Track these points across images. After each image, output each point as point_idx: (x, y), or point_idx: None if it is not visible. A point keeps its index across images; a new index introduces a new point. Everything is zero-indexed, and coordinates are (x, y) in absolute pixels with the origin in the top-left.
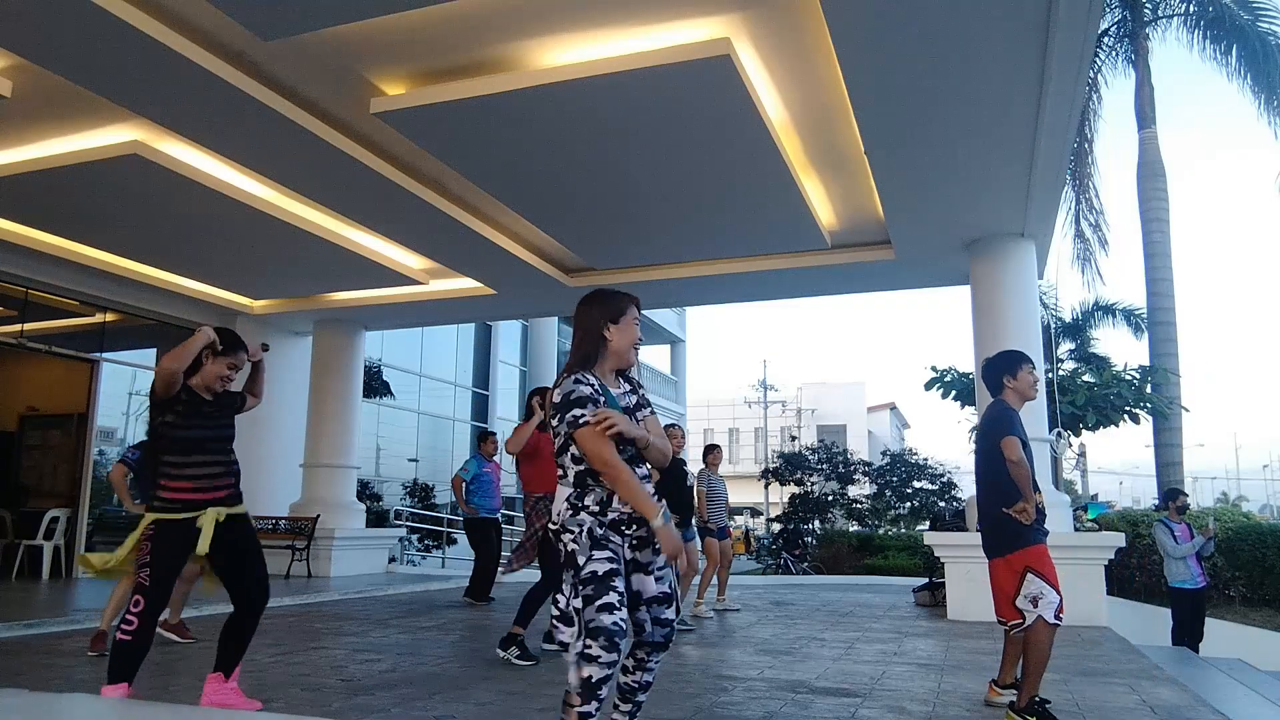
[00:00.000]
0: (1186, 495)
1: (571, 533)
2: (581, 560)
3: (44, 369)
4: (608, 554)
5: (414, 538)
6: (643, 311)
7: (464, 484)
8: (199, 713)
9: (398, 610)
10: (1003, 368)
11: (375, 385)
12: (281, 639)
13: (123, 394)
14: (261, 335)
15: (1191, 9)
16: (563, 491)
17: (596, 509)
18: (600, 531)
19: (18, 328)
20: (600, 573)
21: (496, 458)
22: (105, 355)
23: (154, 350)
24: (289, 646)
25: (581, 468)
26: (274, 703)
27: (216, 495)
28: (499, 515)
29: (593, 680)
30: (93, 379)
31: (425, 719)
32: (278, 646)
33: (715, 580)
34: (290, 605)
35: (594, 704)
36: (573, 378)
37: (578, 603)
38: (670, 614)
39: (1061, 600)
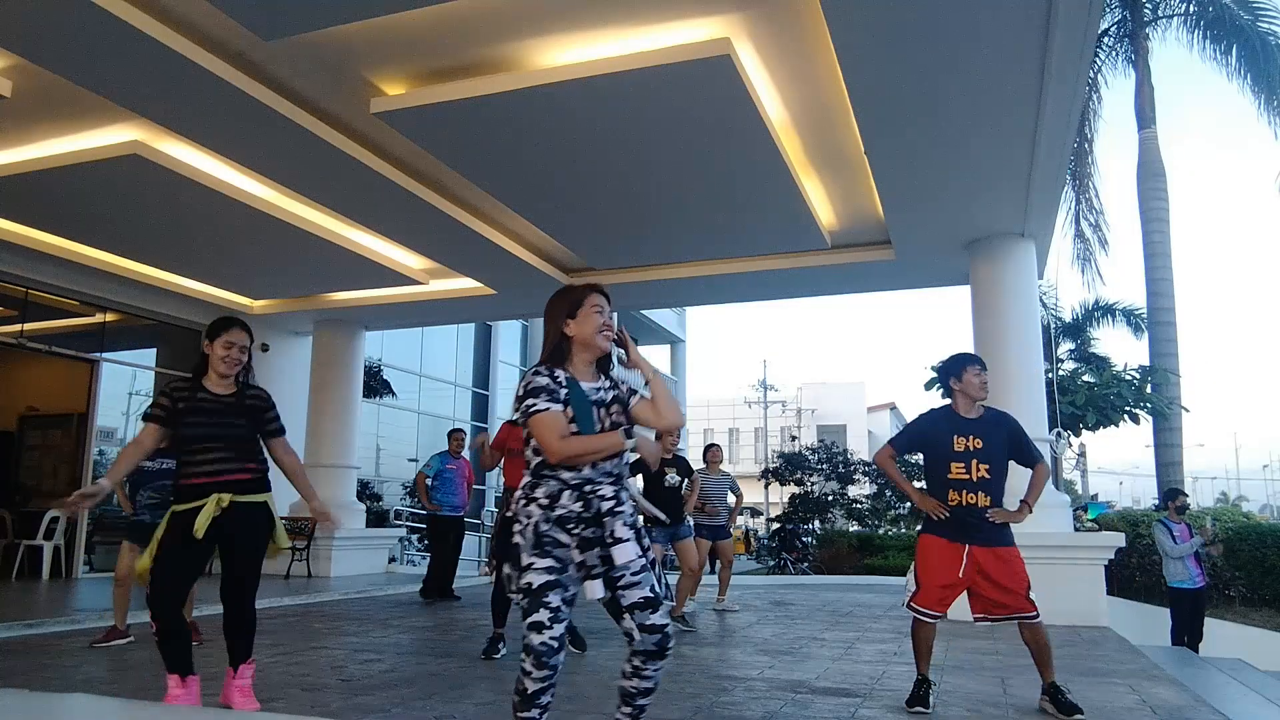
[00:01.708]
0: (1186, 495)
1: (520, 524)
2: (524, 561)
3: (44, 369)
4: (548, 562)
5: (414, 538)
6: (643, 312)
7: (426, 480)
8: (199, 713)
9: (398, 610)
10: (949, 371)
11: (375, 385)
12: (281, 639)
13: (123, 394)
14: (261, 335)
15: (1191, 9)
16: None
17: (546, 503)
18: (545, 528)
19: (18, 328)
20: (535, 586)
21: (465, 453)
22: (105, 355)
23: (154, 350)
24: (289, 646)
25: (540, 459)
26: (274, 703)
27: (222, 479)
28: (461, 513)
29: (529, 692)
30: (93, 379)
31: (425, 719)
32: (278, 646)
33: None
34: (290, 605)
35: (534, 711)
36: (534, 370)
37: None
38: (658, 619)
39: (918, 591)
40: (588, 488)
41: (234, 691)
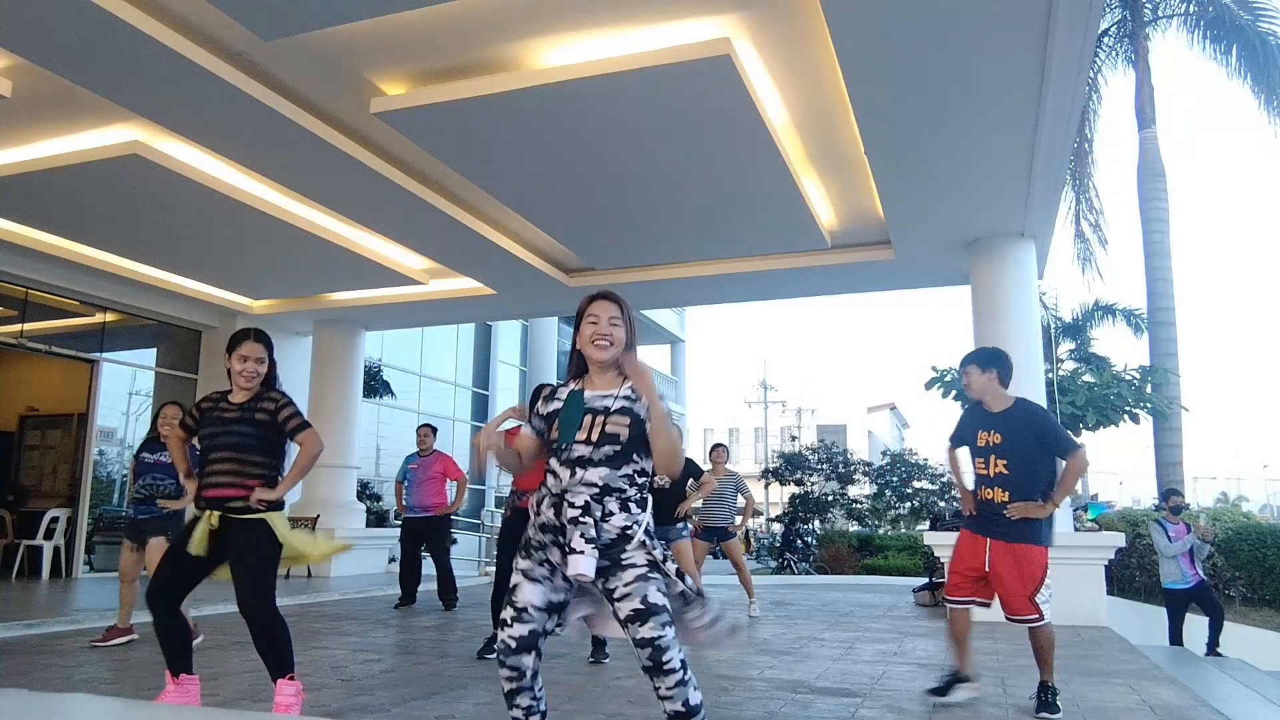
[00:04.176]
0: (1181, 495)
1: None
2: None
3: (44, 369)
4: (527, 564)
5: None
6: (643, 312)
7: (401, 485)
8: (198, 713)
9: (397, 610)
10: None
11: (375, 385)
12: None
13: (123, 394)
14: None
15: (1191, 9)
16: None
17: (537, 510)
18: (531, 533)
19: (18, 328)
20: (512, 584)
21: (436, 446)
22: (105, 355)
23: (154, 350)
24: None
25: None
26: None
27: (219, 494)
28: (427, 514)
29: (503, 691)
30: (93, 379)
31: (425, 719)
32: None
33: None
34: (290, 605)
35: (514, 712)
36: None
37: None
38: (646, 632)
39: (946, 580)
40: (567, 496)
41: (289, 698)
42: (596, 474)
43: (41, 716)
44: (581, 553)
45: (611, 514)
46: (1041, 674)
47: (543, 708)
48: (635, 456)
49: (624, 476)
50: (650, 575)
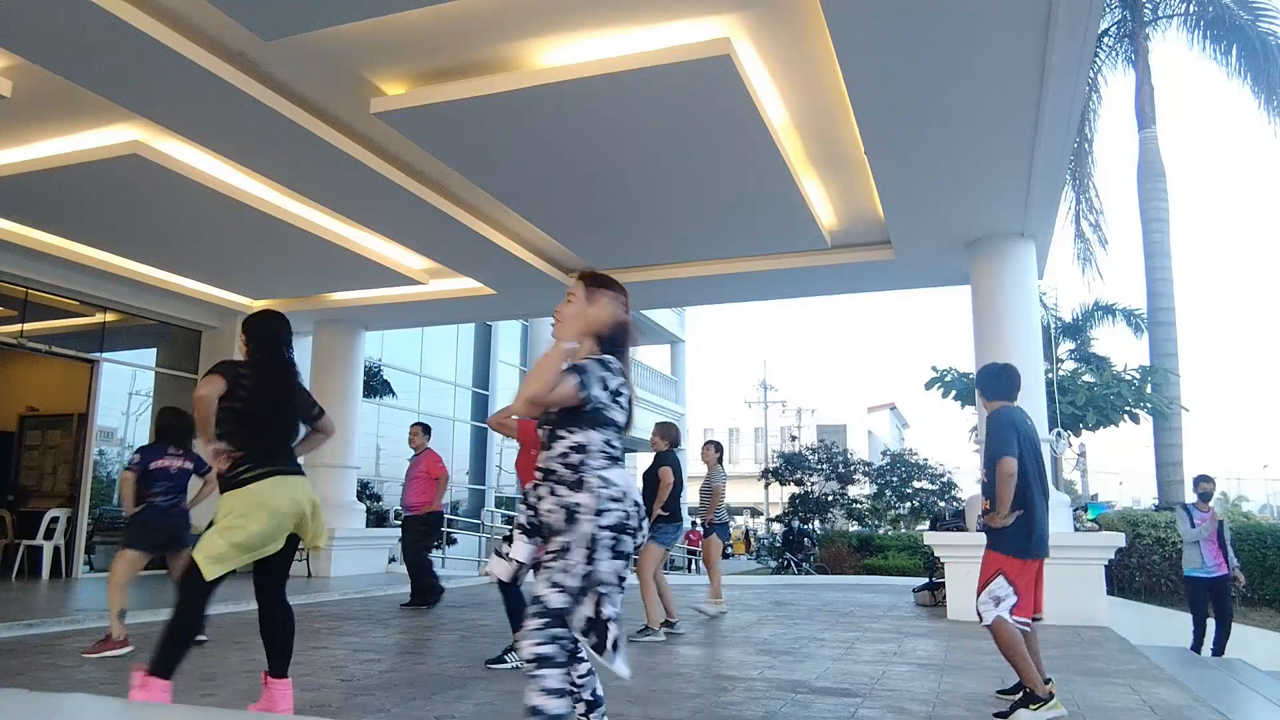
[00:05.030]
0: (1211, 482)
1: None
2: None
3: (44, 369)
4: None
5: None
6: (643, 312)
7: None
8: (199, 712)
9: (398, 610)
10: None
11: (375, 385)
12: None
13: (123, 394)
14: None
15: (1191, 9)
16: None
17: None
18: None
19: (18, 328)
20: None
21: (430, 445)
22: (105, 355)
23: (154, 350)
24: None
25: None
26: None
27: None
28: (412, 512)
29: None
30: (93, 379)
31: (425, 719)
32: None
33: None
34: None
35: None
36: None
37: None
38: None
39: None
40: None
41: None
42: (543, 457)
43: (41, 716)
44: (518, 540)
45: (541, 498)
46: (1021, 681)
47: (587, 695)
48: (560, 432)
49: (558, 456)
50: (548, 564)
